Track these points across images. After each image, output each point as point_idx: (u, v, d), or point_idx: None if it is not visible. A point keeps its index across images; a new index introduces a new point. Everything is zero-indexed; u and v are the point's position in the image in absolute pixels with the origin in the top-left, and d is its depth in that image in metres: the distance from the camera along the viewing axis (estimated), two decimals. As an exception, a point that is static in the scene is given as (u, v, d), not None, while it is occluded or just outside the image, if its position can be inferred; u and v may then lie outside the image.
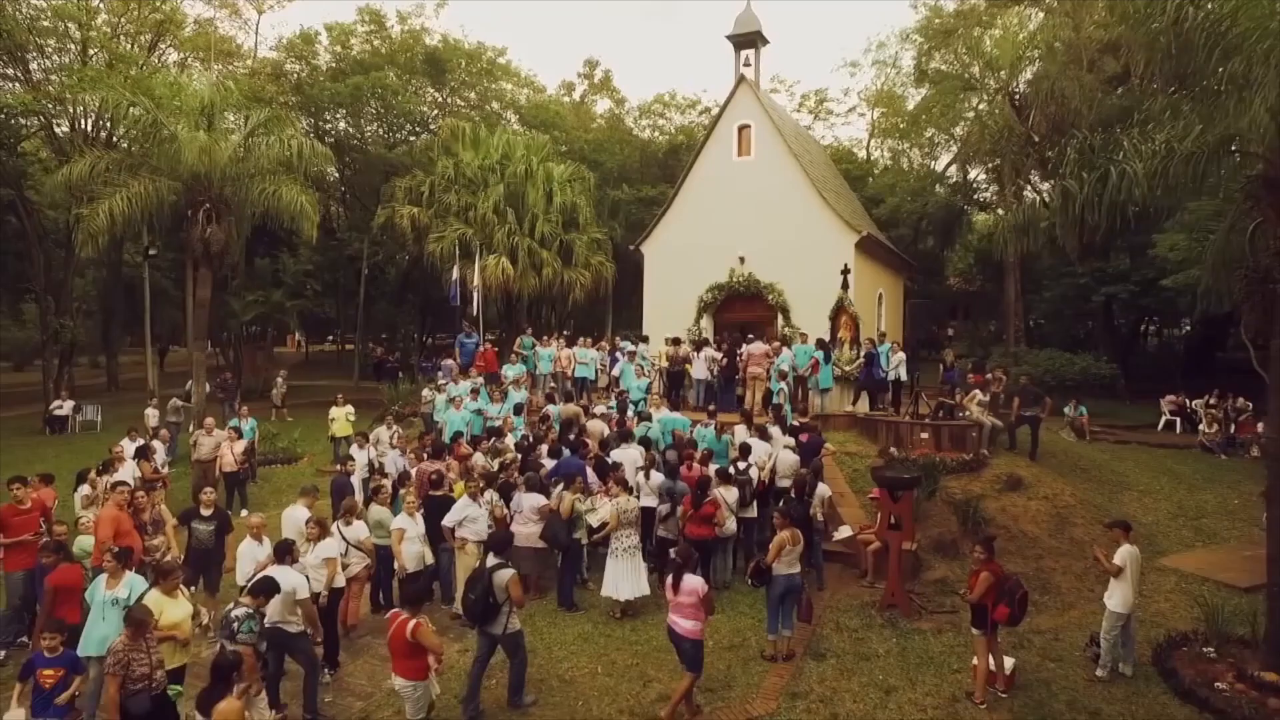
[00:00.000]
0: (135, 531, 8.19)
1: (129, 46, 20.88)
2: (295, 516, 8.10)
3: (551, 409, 13.58)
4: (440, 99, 28.66)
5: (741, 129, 19.57)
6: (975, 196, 31.72)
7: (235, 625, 5.71)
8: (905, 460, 11.68)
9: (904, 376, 14.99)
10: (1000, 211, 31.17)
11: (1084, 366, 19.68)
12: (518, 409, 13.98)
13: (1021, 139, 20.91)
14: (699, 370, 15.90)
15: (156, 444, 12.37)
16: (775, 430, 11.29)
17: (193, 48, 22.36)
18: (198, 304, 15.80)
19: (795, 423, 11.60)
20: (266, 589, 5.91)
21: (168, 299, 32.79)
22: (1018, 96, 22.06)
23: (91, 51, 19.98)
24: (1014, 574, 7.56)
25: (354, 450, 11.91)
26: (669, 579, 6.60)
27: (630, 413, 13.04)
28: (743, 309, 19.67)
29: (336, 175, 28.64)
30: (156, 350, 38.38)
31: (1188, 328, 32.88)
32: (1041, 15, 22.71)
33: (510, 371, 15.89)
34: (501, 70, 29.74)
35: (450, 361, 17.13)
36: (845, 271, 15.96)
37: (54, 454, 17.53)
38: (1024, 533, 10.53)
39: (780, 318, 18.73)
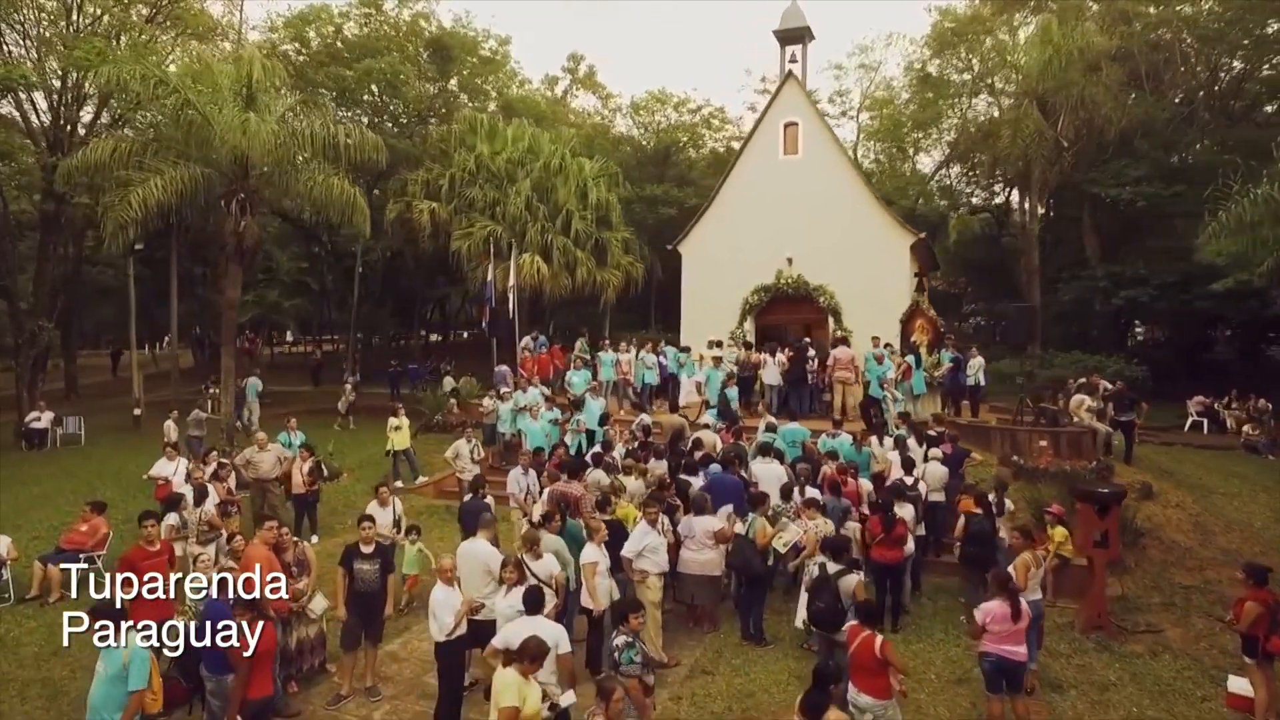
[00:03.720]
0: (285, 575, 7.00)
1: (118, 17, 18.70)
2: (479, 553, 7.00)
3: (646, 418, 12.72)
4: (434, 89, 27.10)
5: (788, 126, 19.08)
6: (969, 199, 32.24)
7: (616, 655, 5.04)
8: (1035, 469, 11.34)
9: (982, 381, 14.80)
10: (1013, 215, 31.88)
11: (1118, 369, 19.95)
12: (603, 419, 13.04)
13: (1051, 143, 21.12)
14: (771, 375, 15.29)
15: (228, 463, 10.95)
16: (912, 441, 10.79)
17: (195, 24, 20.27)
18: (226, 305, 14.25)
19: (932, 432, 11.08)
20: (632, 611, 5.46)
21: (122, 298, 30.17)
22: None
23: (80, 19, 17.85)
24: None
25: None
26: (1002, 606, 6.04)
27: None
28: (788, 311, 19.22)
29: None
30: (109, 354, 35.53)
31: (1139, 333, 34.28)
32: (1046, 21, 23.04)
33: (577, 379, 14.91)
34: (500, 62, 28.44)
35: (505, 368, 15.97)
36: (919, 274, 15.63)
37: (47, 474, 15.57)
38: (1176, 543, 10.31)
39: (831, 320, 18.32)
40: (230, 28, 23.49)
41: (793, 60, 19.14)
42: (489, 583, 6.91)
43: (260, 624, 5.58)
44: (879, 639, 5.52)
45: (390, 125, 25.41)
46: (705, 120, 35.21)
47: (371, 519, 7.40)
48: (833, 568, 6.57)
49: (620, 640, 5.17)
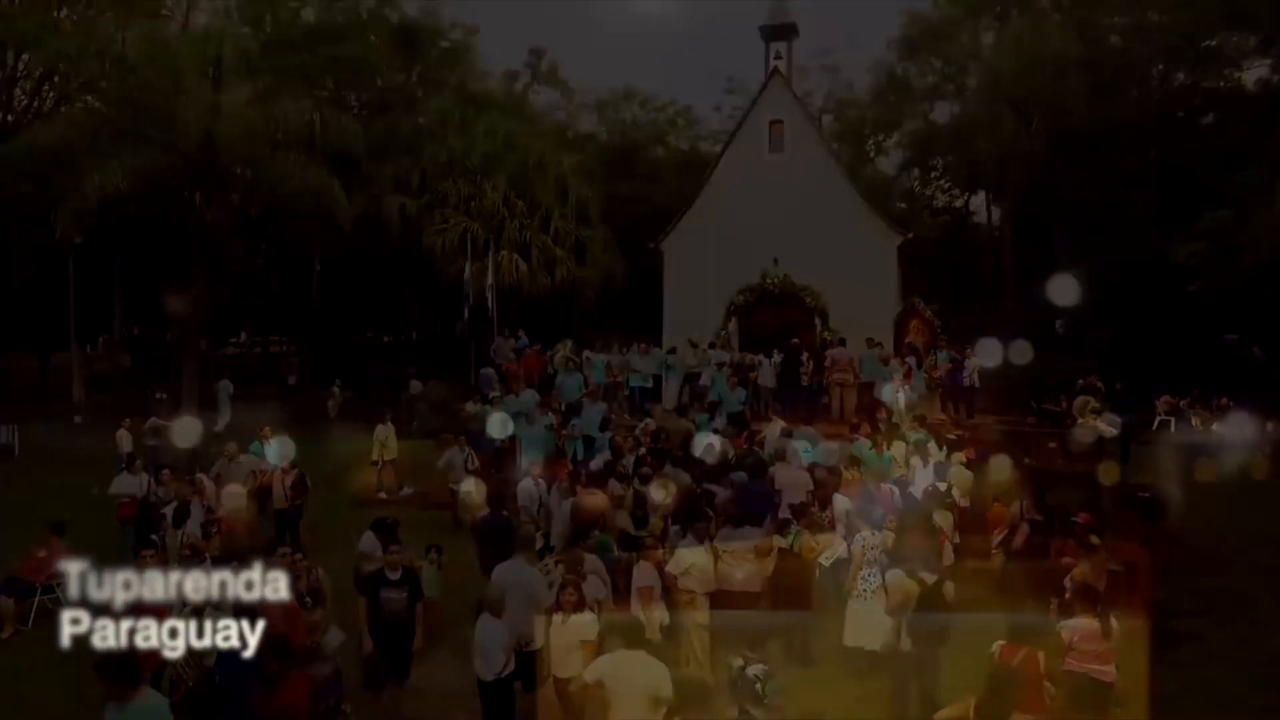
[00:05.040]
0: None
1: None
2: (523, 579, 6.34)
3: (652, 423, 12.17)
4: (397, 81, 25.93)
5: (773, 124, 18.77)
6: (931, 202, 32.77)
7: (758, 686, 4.30)
8: (1048, 472, 11.21)
9: (978, 383, 14.78)
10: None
11: (1093, 370, 20.25)
12: (604, 424, 12.46)
13: (1025, 146, 21.40)
14: (767, 378, 14.94)
15: (202, 477, 9.99)
16: (932, 445, 10.53)
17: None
18: (192, 303, 13.09)
19: (952, 436, 10.85)
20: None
21: (46, 295, 27.94)
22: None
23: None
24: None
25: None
26: (1090, 621, 5.70)
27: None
28: (773, 312, 18.83)
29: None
30: (37, 355, 32.99)
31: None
32: (1019, 28, 23.40)
33: (570, 382, 14.26)
34: (464, 53, 27.45)
35: (490, 370, 15.20)
36: (913, 276, 15.47)
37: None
38: (1196, 547, 10.29)
39: (818, 321, 18.05)
40: (178, 7, 21.94)
41: (778, 57, 18.85)
42: (532, 609, 6.28)
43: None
44: (1040, 653, 5.25)
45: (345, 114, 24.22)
46: (671, 120, 34.95)
47: (399, 543, 6.64)
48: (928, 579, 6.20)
49: (758, 669, 4.48)
